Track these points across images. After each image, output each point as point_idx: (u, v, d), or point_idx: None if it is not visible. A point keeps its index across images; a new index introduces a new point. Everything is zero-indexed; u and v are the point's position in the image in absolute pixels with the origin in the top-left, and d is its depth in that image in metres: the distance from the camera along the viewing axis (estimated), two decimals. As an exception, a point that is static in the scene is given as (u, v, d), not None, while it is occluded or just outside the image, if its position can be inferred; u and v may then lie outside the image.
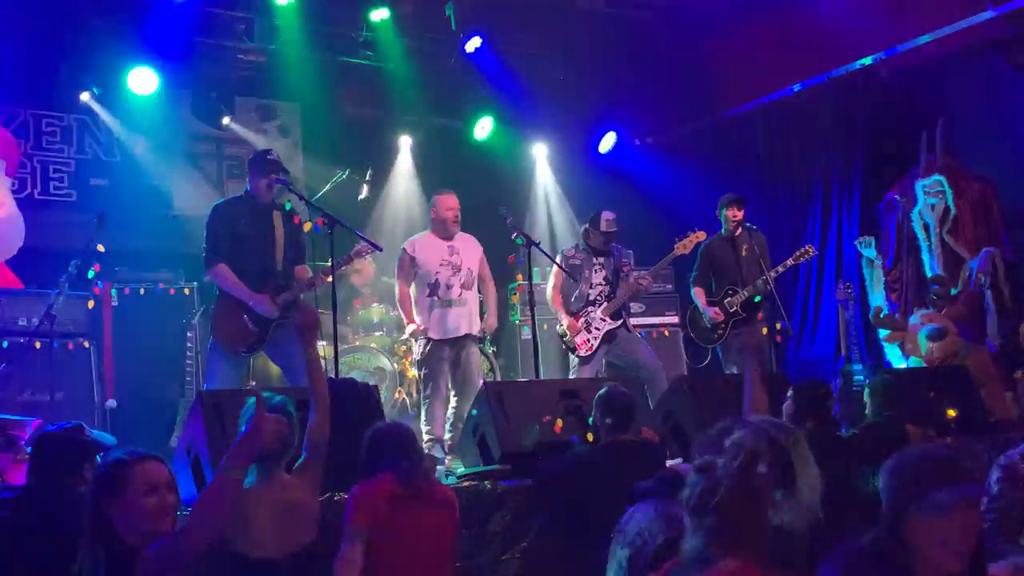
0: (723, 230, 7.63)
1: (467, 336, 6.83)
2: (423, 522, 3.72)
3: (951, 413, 6.11)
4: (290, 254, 6.04)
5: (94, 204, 8.30)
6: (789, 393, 4.96)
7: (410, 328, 6.90)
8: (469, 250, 7.00)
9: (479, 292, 7.09)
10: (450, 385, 6.83)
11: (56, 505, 3.41)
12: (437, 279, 6.82)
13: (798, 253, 7.47)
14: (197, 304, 7.51)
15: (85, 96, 8.48)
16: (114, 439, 5.25)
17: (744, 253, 7.43)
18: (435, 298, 6.81)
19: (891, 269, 8.54)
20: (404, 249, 7.00)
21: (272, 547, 3.62)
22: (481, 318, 7.05)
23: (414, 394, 7.99)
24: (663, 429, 5.86)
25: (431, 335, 6.78)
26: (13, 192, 8.24)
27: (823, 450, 4.28)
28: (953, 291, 7.88)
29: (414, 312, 6.84)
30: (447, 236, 6.94)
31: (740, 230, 7.49)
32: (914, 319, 7.80)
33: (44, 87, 8.44)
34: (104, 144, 8.93)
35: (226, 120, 9.16)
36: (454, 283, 6.83)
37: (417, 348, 6.93)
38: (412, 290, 6.92)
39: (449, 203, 6.96)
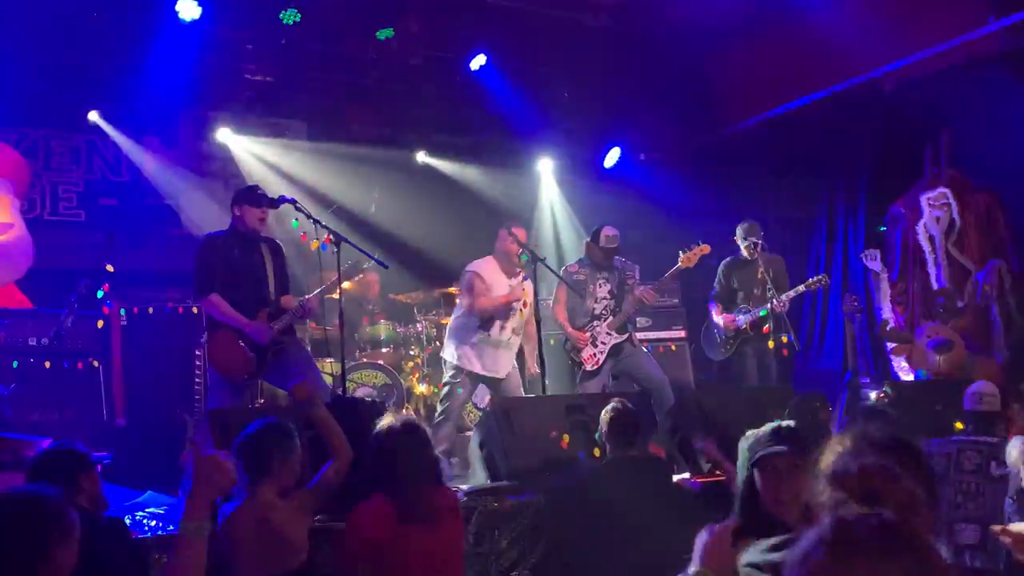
0: (743, 253, 7.75)
1: (501, 379, 6.84)
2: (429, 537, 3.67)
3: (959, 425, 6.10)
4: (278, 284, 6.07)
5: (103, 224, 8.39)
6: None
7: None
8: (527, 293, 6.92)
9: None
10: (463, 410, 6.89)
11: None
12: (493, 316, 6.77)
13: (811, 281, 7.56)
14: (205, 323, 7.54)
15: (94, 116, 8.55)
16: (109, 455, 5.30)
17: (759, 276, 7.52)
18: (485, 334, 6.78)
19: (897, 282, 8.55)
20: (473, 272, 6.87)
21: (256, 568, 3.57)
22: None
23: (422, 410, 8.02)
24: (670, 444, 5.88)
25: (468, 367, 6.77)
26: (23, 213, 8.32)
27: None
28: (959, 303, 7.88)
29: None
30: (511, 272, 6.89)
31: (758, 253, 7.58)
32: (921, 332, 7.81)
33: (53, 108, 8.50)
34: (113, 164, 8.99)
35: (228, 138, 9.21)
36: (507, 325, 6.81)
37: (447, 371, 6.95)
38: (463, 314, 6.89)
39: (516, 230, 6.87)
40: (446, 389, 6.89)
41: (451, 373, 6.88)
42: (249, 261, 5.92)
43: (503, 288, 6.80)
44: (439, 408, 6.88)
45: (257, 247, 5.99)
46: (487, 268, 6.91)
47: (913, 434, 5.48)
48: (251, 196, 6.00)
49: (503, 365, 6.81)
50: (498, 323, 6.76)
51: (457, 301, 7.22)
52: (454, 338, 6.94)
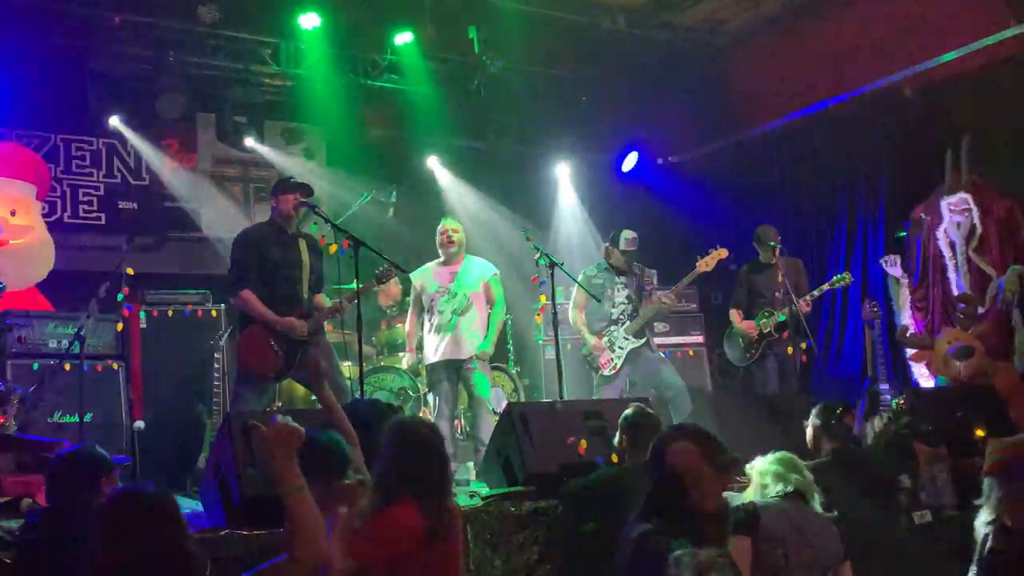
0: (761, 257, 7.74)
1: (462, 360, 6.88)
2: (443, 556, 3.58)
3: (979, 432, 6.05)
4: (313, 283, 6.08)
5: (123, 227, 8.45)
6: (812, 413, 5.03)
7: (404, 358, 7.31)
8: (470, 275, 7.04)
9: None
10: (456, 405, 7.09)
11: (78, 522, 3.41)
12: (432, 304, 6.98)
13: (835, 278, 7.55)
14: (224, 326, 7.58)
15: (114, 120, 8.61)
16: (129, 459, 5.33)
17: (780, 279, 7.50)
18: (431, 323, 6.97)
19: (917, 288, 8.48)
20: (411, 278, 7.15)
21: None
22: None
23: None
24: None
25: (434, 359, 6.92)
26: (44, 216, 8.38)
27: (846, 466, 4.36)
28: (980, 309, 7.81)
29: (417, 342, 7.21)
30: (445, 261, 7.06)
31: (776, 257, 7.57)
32: (941, 338, 7.75)
33: (73, 112, 8.58)
34: (133, 168, 9.05)
35: (249, 142, 9.27)
36: (446, 308, 6.92)
37: (426, 375, 7.18)
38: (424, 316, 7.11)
39: (440, 228, 7.11)
40: (430, 393, 7.07)
41: (427, 372, 7.11)
42: (286, 258, 5.96)
43: (438, 279, 7.01)
44: (430, 416, 6.94)
45: (295, 243, 6.02)
46: (424, 269, 7.17)
47: (933, 442, 5.46)
48: (285, 184, 6.13)
49: (450, 348, 6.87)
50: (436, 310, 6.94)
51: None
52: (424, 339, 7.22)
